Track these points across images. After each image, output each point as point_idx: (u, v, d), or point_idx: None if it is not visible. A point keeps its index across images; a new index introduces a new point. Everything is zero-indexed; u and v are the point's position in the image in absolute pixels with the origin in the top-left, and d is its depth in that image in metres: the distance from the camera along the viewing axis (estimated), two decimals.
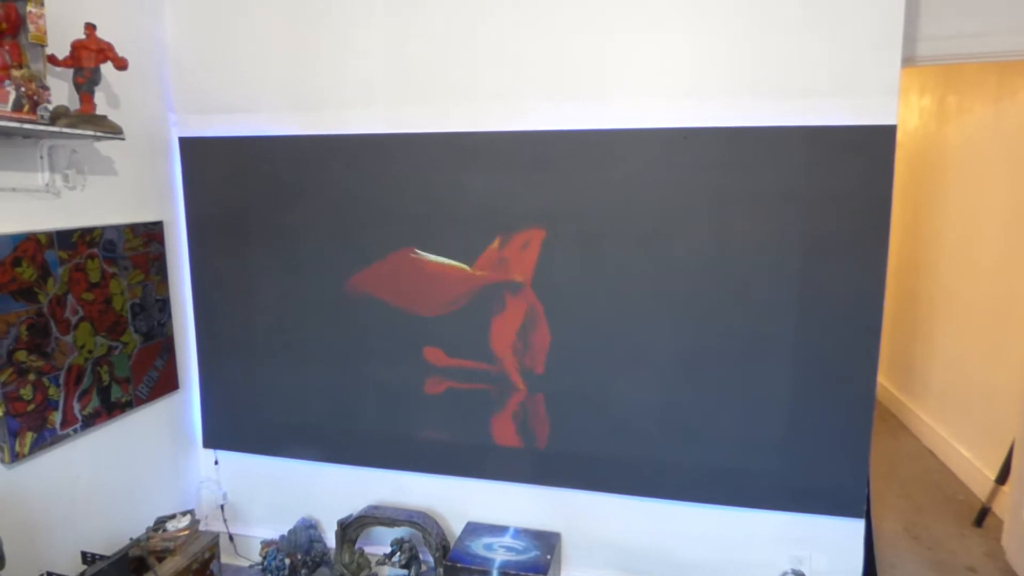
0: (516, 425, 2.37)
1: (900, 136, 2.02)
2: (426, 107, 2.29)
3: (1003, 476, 2.94)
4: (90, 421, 2.17)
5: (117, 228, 2.25)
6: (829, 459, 2.13)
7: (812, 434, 2.13)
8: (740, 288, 2.12)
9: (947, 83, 3.78)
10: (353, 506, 2.55)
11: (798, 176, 2.04)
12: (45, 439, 2.00)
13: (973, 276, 3.45)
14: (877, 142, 1.98)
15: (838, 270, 2.05)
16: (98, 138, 2.00)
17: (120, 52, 2.00)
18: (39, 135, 1.88)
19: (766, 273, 2.10)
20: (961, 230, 3.59)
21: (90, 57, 1.93)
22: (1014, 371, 2.94)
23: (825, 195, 2.03)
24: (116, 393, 2.27)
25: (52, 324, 2.01)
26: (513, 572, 2.18)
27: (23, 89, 1.73)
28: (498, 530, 2.42)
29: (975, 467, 3.30)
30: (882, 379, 4.52)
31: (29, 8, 1.75)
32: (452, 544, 2.41)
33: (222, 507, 2.72)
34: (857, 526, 2.17)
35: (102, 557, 1.97)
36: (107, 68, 2.00)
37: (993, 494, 3.02)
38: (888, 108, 1.97)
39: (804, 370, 2.11)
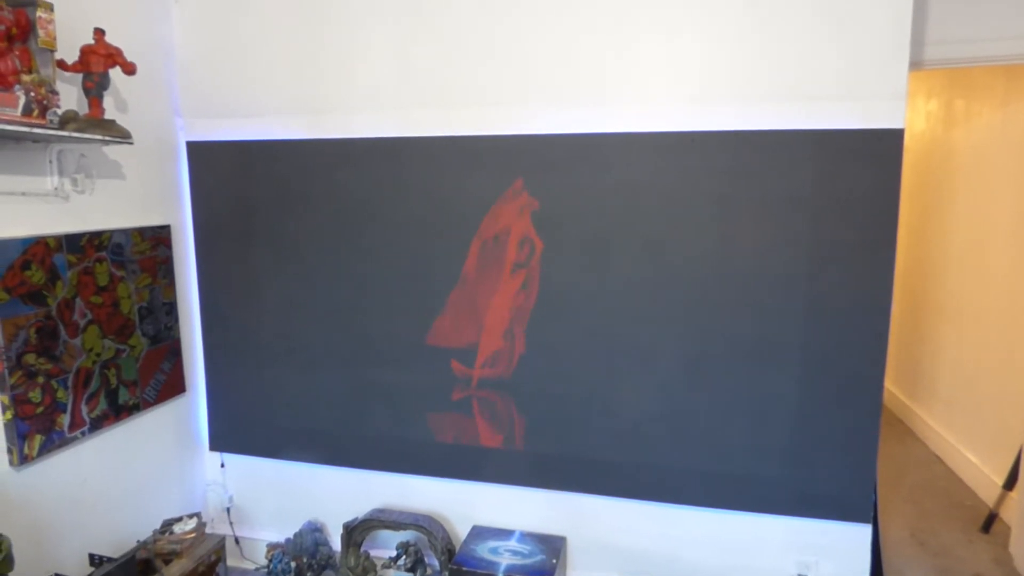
0: (521, 429, 2.37)
1: (907, 140, 2.01)
2: (432, 111, 2.29)
3: (1011, 482, 2.92)
4: (98, 424, 2.18)
5: (125, 232, 2.26)
6: (836, 464, 2.12)
7: (819, 439, 2.12)
8: (746, 293, 2.12)
9: (954, 87, 3.76)
10: (359, 509, 2.56)
11: (805, 180, 2.04)
12: (53, 441, 2.01)
13: (981, 281, 3.43)
14: (885, 146, 1.98)
15: (845, 275, 2.04)
16: (106, 142, 2.01)
17: (128, 57, 2.01)
18: (48, 139, 1.89)
19: (772, 278, 2.09)
20: (969, 235, 3.57)
21: (99, 62, 1.94)
22: (1022, 377, 2.92)
23: (832, 199, 2.03)
24: (123, 396, 2.28)
25: (61, 327, 2.02)
26: (519, 575, 2.19)
27: (33, 94, 1.74)
28: (504, 534, 2.42)
29: (982, 473, 3.28)
30: (889, 384, 4.50)
31: (39, 13, 1.77)
32: (457, 548, 2.40)
33: (228, 510, 2.73)
34: (864, 532, 2.16)
35: (109, 559, 1.98)
36: (115, 73, 2.01)
37: (1001, 500, 3.00)
38: (896, 112, 1.97)
39: (811, 375, 2.10)
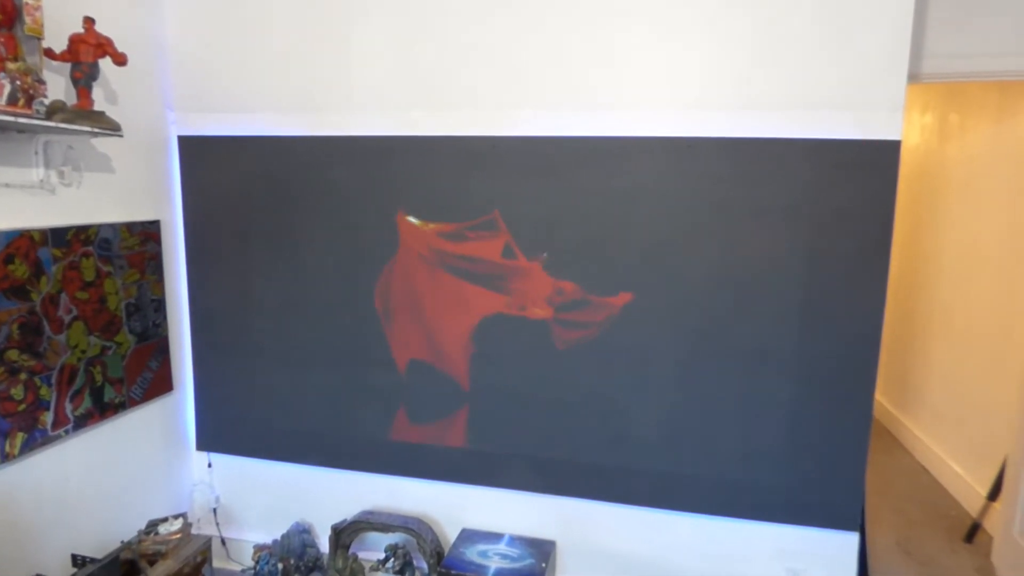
0: (513, 433, 2.36)
1: (902, 153, 2.02)
2: (428, 111, 2.27)
3: (995, 493, 2.97)
4: (82, 422, 2.13)
5: (113, 226, 2.22)
6: (826, 473, 2.13)
7: (809, 447, 2.13)
8: (741, 301, 2.12)
9: (949, 101, 3.80)
10: (347, 511, 2.53)
11: (801, 189, 2.04)
12: (36, 440, 1.97)
13: (971, 294, 3.46)
14: (881, 157, 1.98)
15: (839, 284, 2.05)
16: (95, 134, 1.97)
17: (119, 48, 1.96)
18: (34, 130, 1.84)
19: (767, 287, 2.10)
20: (960, 248, 3.61)
21: (88, 52, 1.90)
22: (1009, 389, 2.96)
23: (828, 209, 2.03)
24: (109, 394, 2.24)
25: (45, 323, 1.98)
26: None
27: (19, 82, 1.69)
28: (493, 537, 2.41)
29: (967, 484, 3.32)
30: (878, 395, 4.54)
31: None
32: (446, 551, 2.39)
33: (215, 510, 2.69)
34: (852, 539, 2.18)
35: (92, 560, 1.94)
36: (105, 64, 1.96)
37: (984, 511, 3.04)
38: (893, 124, 1.98)
39: (803, 384, 2.11)
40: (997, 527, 2.82)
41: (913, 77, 2.18)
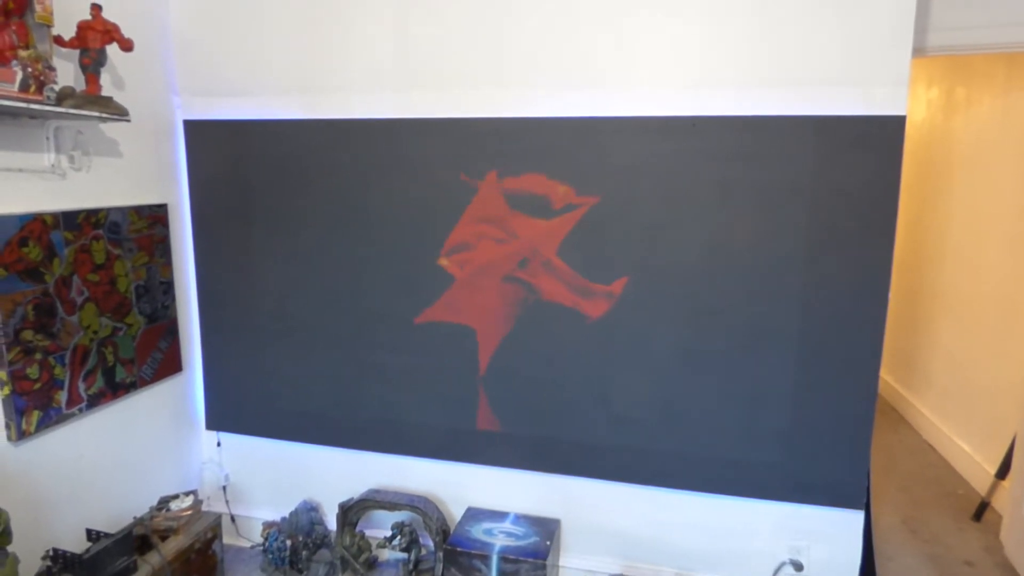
0: (517, 413, 2.38)
1: (907, 128, 2.00)
2: (431, 93, 2.28)
3: (1003, 471, 2.94)
4: (95, 401, 2.19)
5: (122, 210, 2.26)
6: (830, 451, 2.13)
7: (814, 426, 2.13)
8: (744, 280, 2.12)
9: (955, 75, 3.74)
10: (354, 489, 2.57)
11: (805, 166, 2.03)
12: (51, 418, 2.02)
13: (977, 271, 3.43)
14: (886, 133, 1.97)
15: (843, 262, 2.04)
16: (104, 119, 2.01)
17: (125, 34, 2.00)
18: (45, 116, 1.89)
19: (771, 265, 2.09)
20: (966, 225, 3.57)
21: (96, 38, 1.93)
22: (1017, 367, 2.93)
23: (832, 186, 2.02)
24: (120, 374, 2.29)
25: (58, 304, 2.03)
26: (512, 557, 2.20)
27: (30, 69, 1.73)
28: (498, 515, 2.44)
29: (975, 462, 3.30)
30: (883, 373, 4.51)
31: None
32: (452, 529, 2.42)
33: (224, 488, 2.75)
34: (856, 518, 2.18)
35: (107, 535, 1.99)
36: (112, 50, 2.00)
37: (992, 489, 3.02)
38: (898, 98, 1.96)
39: (807, 363, 2.11)
40: (1006, 505, 2.80)
41: (918, 51, 2.15)
